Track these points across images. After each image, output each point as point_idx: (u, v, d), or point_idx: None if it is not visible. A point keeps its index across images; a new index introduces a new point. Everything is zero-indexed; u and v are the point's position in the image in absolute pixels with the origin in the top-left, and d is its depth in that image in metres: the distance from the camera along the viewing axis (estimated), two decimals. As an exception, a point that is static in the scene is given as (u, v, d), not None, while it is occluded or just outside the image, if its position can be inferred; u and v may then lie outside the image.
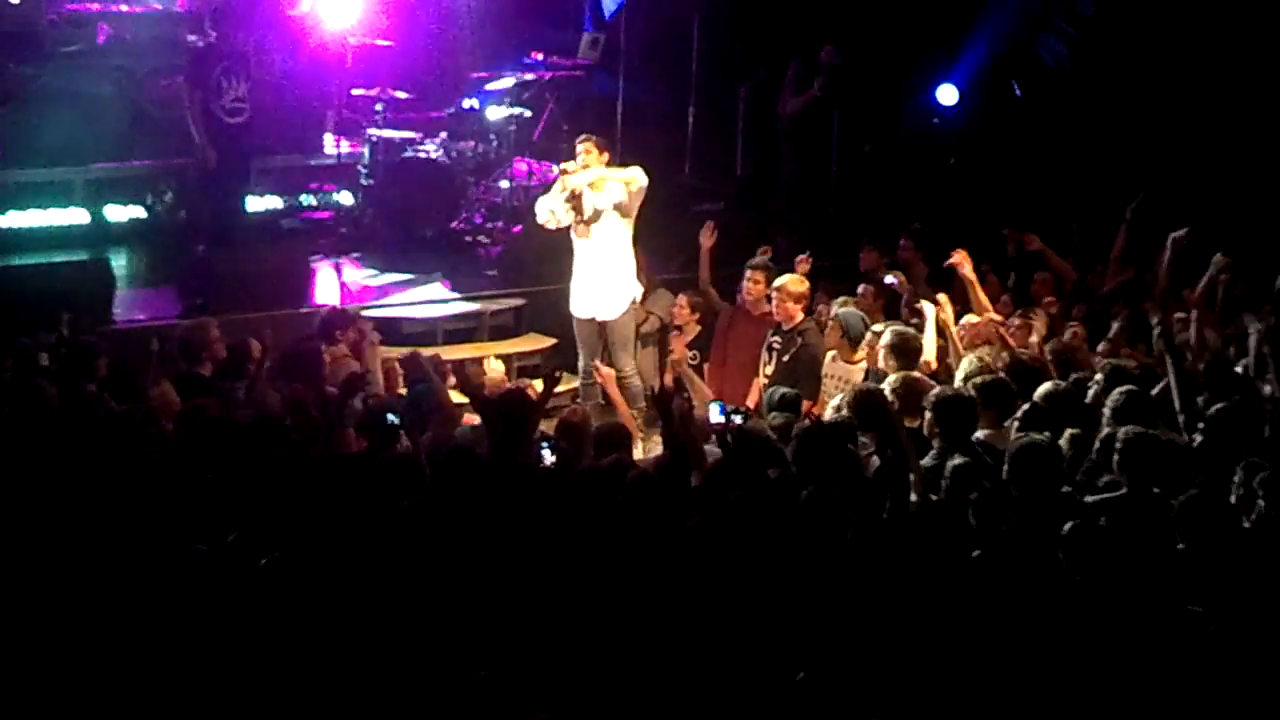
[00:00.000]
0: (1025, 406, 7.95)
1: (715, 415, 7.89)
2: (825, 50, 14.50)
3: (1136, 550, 6.30)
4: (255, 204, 14.20)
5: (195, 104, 12.00)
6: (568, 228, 11.00)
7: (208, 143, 11.95)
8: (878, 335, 9.62)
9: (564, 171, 10.95)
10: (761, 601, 6.03)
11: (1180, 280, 10.39)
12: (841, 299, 10.79)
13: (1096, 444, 7.43)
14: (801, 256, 11.21)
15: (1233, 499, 6.80)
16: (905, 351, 9.14)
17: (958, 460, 7.15)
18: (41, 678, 5.75)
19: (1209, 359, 8.75)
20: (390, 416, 7.98)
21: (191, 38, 13.31)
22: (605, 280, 10.99)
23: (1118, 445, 7.06)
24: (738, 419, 7.85)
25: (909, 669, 5.68)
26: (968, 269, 10.23)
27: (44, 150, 13.05)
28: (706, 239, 11.55)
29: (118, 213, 13.55)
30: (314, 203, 14.40)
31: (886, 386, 8.41)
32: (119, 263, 12.46)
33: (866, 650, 5.74)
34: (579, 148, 10.99)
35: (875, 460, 7.66)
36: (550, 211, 10.98)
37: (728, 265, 11.67)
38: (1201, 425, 7.64)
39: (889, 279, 11.13)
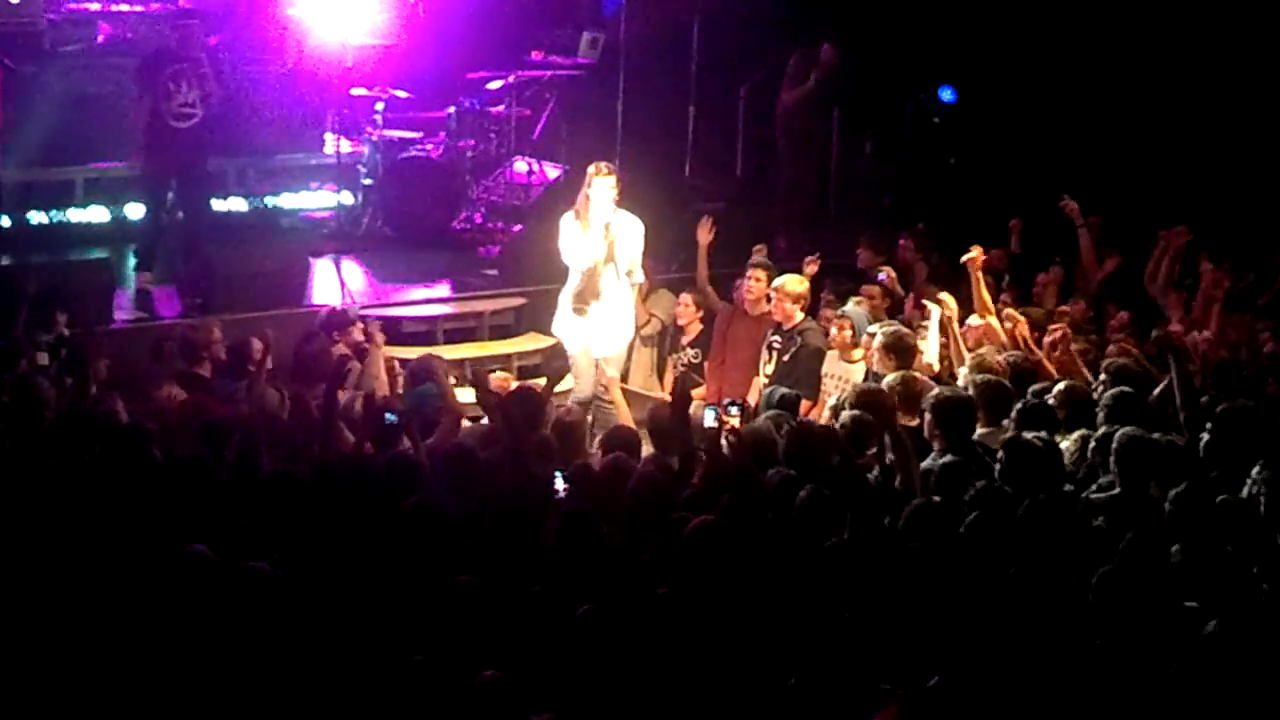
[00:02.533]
0: (1019, 405, 7.93)
1: (708, 420, 7.88)
2: (825, 48, 14.50)
3: (1131, 549, 6.32)
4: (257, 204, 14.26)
5: (141, 107, 11.98)
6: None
7: (145, 146, 11.92)
8: (873, 336, 9.62)
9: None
10: (757, 603, 6.05)
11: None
12: (855, 298, 10.80)
13: (1091, 444, 7.44)
14: (810, 257, 11.19)
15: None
16: (900, 350, 9.13)
17: (947, 459, 7.15)
18: (40, 678, 5.77)
19: (1216, 361, 8.79)
20: (389, 416, 7.99)
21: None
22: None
23: (1114, 446, 7.07)
24: (735, 410, 7.84)
25: (904, 670, 5.69)
26: (979, 264, 10.08)
27: (44, 150, 13.04)
28: (704, 235, 11.47)
29: (118, 212, 13.56)
30: (314, 202, 14.43)
31: (884, 386, 8.41)
32: (120, 262, 12.46)
33: (861, 653, 5.76)
34: (610, 180, 10.41)
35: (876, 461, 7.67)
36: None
37: (727, 265, 11.66)
38: (1209, 425, 7.64)
39: (880, 275, 11.14)
